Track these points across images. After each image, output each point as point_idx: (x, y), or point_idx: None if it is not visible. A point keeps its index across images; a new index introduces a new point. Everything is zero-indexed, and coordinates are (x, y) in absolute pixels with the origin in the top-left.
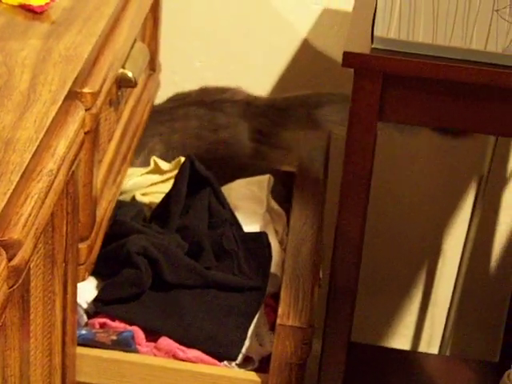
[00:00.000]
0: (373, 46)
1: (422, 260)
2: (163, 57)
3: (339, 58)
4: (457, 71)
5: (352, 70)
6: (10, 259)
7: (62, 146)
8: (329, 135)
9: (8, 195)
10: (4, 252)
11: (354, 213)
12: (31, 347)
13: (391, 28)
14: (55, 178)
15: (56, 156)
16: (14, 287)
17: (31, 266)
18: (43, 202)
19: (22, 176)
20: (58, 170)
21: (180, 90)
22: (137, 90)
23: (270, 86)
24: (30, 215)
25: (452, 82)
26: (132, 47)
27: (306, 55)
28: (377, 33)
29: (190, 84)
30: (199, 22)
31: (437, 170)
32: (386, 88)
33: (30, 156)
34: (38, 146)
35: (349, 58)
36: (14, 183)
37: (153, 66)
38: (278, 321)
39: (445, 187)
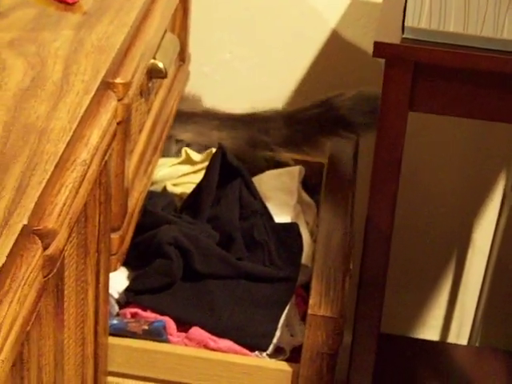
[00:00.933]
0: (403, 36)
1: (452, 250)
2: (193, 48)
3: (368, 48)
4: (488, 61)
5: (382, 60)
6: (45, 248)
7: (95, 136)
8: None
9: (43, 185)
10: (39, 241)
11: (384, 203)
12: (65, 337)
13: (422, 18)
14: (89, 167)
15: (89, 146)
16: (49, 276)
17: (65, 255)
18: (77, 192)
19: (56, 166)
20: (92, 159)
21: (210, 81)
22: (167, 81)
23: (298, 77)
24: (64, 204)
25: (483, 71)
26: (162, 38)
27: (335, 46)
28: (407, 23)
29: (220, 75)
30: (229, 12)
31: (467, 159)
32: (416, 78)
33: (64, 146)
34: (72, 136)
35: (380, 48)
36: (49, 173)
37: (182, 56)
38: (310, 311)
39: (475, 176)
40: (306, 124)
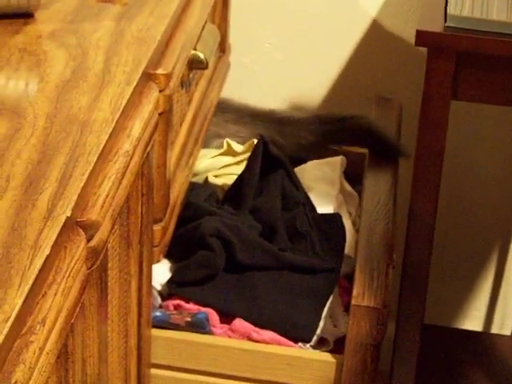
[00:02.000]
0: (446, 25)
1: (495, 239)
2: (233, 38)
3: (409, 38)
4: None
5: (424, 49)
6: (88, 240)
7: (137, 127)
8: (399, 114)
9: (86, 176)
10: (83, 233)
11: (426, 192)
12: (108, 329)
13: (465, 6)
14: (131, 159)
15: (132, 137)
16: (93, 268)
17: (108, 247)
18: (120, 183)
19: (98, 157)
20: (134, 151)
21: (250, 72)
22: (207, 72)
23: (338, 68)
24: (107, 196)
25: None
26: (203, 29)
27: (376, 36)
28: (450, 11)
29: (260, 66)
30: (268, 3)
31: (509, 146)
32: (459, 66)
33: (106, 137)
34: (114, 127)
35: (422, 36)
36: (92, 164)
37: (223, 47)
38: (353, 301)
39: None
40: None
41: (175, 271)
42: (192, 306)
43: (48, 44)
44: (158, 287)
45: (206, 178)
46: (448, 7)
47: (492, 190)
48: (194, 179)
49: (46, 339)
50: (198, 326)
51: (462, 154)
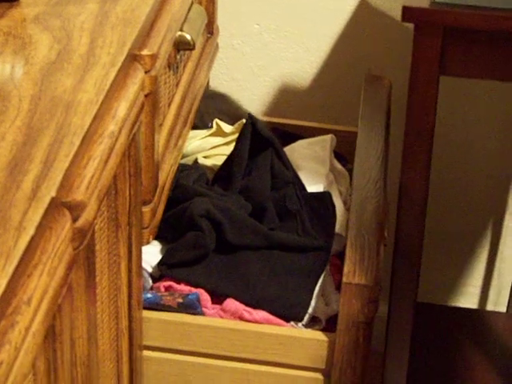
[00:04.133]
0: (432, 0)
1: (488, 216)
2: (221, 20)
3: (398, 15)
4: None
5: (411, 25)
6: (74, 221)
7: (122, 108)
8: (389, 92)
9: (70, 157)
10: (68, 213)
11: (417, 168)
12: (98, 310)
13: None
14: (117, 140)
15: (117, 118)
16: (79, 249)
17: (96, 228)
18: (105, 164)
19: (83, 138)
20: (120, 132)
21: (239, 54)
22: (195, 53)
23: (327, 47)
24: (92, 177)
25: None
26: (189, 10)
27: (364, 14)
28: None
29: (249, 47)
30: None
31: (503, 123)
32: (446, 42)
33: (91, 118)
34: (99, 109)
35: (408, 12)
36: (76, 145)
37: (211, 28)
38: (344, 279)
39: (511, 140)
40: None
41: (166, 252)
42: (183, 287)
43: (32, 27)
44: (149, 269)
45: (196, 160)
46: None
47: (485, 165)
48: (184, 160)
49: (32, 319)
50: (190, 306)
51: (455, 130)
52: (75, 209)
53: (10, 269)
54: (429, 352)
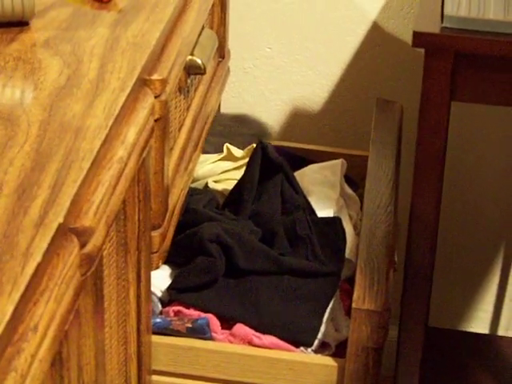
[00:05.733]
0: (443, 25)
1: (500, 240)
2: (232, 44)
3: (409, 40)
4: None
5: (422, 50)
6: (82, 246)
7: (131, 133)
8: (400, 116)
9: (79, 182)
10: (76, 239)
11: (428, 194)
12: (106, 336)
13: (461, 6)
14: (126, 165)
15: (126, 143)
16: (87, 274)
17: (104, 254)
18: (114, 189)
19: (92, 163)
20: (129, 157)
21: (251, 77)
22: (206, 78)
23: (339, 71)
24: (101, 202)
25: None
26: (200, 34)
27: (376, 38)
28: (447, 11)
29: (260, 71)
30: (267, 6)
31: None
32: (457, 67)
33: (100, 143)
34: (108, 134)
35: (419, 37)
36: (85, 170)
37: (222, 52)
38: (354, 305)
39: None
40: None
41: (175, 277)
42: (192, 312)
43: (42, 52)
44: (159, 293)
45: (206, 184)
46: (444, 7)
47: (496, 189)
48: (194, 185)
49: (39, 346)
50: (199, 331)
51: (466, 155)
52: (83, 235)
53: (17, 295)
54: (439, 377)
